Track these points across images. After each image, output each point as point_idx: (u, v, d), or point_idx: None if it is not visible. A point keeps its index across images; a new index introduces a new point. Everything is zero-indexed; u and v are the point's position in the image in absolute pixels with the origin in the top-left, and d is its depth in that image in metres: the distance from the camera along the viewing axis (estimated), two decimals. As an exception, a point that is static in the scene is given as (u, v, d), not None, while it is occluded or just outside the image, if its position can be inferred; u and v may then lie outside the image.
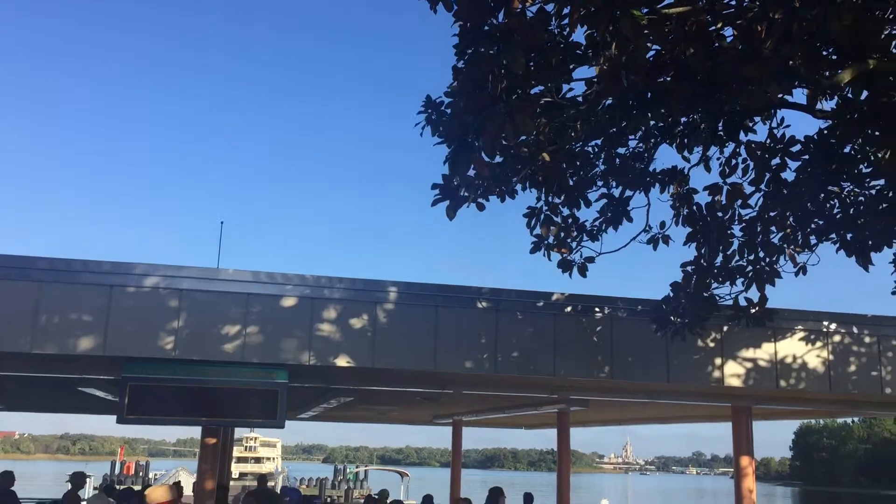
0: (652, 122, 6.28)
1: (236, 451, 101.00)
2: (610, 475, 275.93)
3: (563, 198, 8.34)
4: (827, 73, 4.23)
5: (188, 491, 24.76)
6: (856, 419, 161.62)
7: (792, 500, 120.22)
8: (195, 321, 9.20)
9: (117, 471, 60.97)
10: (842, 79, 4.23)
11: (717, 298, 8.24)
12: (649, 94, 4.37)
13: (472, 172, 4.48)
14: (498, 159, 6.32)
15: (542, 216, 7.61)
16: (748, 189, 7.74)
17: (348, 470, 61.90)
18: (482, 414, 17.58)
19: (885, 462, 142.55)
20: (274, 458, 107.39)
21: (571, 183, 7.31)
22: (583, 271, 8.20)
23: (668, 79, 4.57)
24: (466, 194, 4.59)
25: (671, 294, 7.94)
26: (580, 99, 5.30)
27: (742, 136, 6.87)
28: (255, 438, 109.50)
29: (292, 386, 10.67)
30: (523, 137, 5.75)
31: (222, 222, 17.82)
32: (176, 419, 9.46)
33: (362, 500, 22.21)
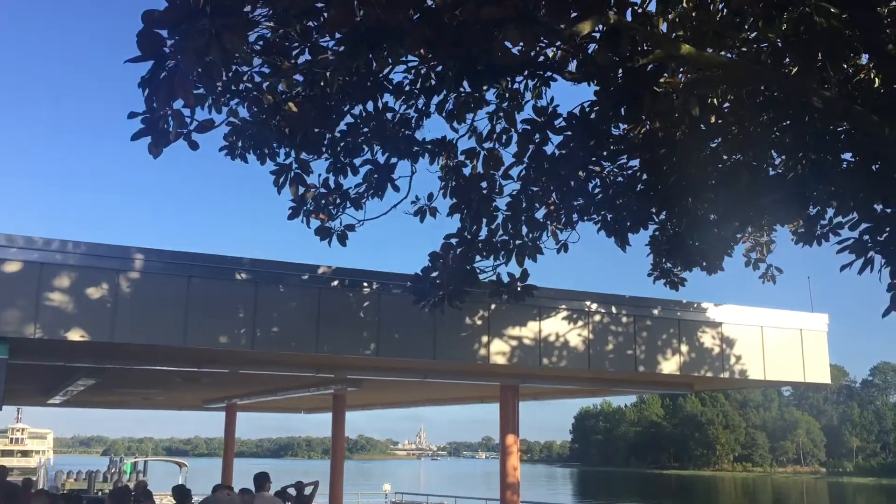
0: (398, 69, 5.95)
1: (0, 444, 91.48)
2: (404, 461, 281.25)
3: (329, 164, 7.91)
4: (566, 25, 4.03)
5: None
6: (627, 403, 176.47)
7: (570, 480, 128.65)
8: None
9: None
10: (581, 29, 4.06)
11: (479, 272, 8.11)
12: (386, 31, 3.97)
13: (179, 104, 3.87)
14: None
15: (292, 174, 7.07)
16: (509, 160, 7.63)
17: (124, 462, 58.00)
18: (255, 397, 16.89)
19: (651, 442, 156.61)
20: (44, 451, 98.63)
21: (326, 142, 6.83)
22: (342, 240, 7.81)
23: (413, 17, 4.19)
24: (174, 129, 3.97)
25: (429, 264, 7.72)
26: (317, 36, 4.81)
27: (492, 97, 6.71)
28: (23, 430, 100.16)
29: (18, 363, 9.43)
30: (262, 82, 5.19)
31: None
32: None
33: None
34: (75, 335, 8.51)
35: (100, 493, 34.53)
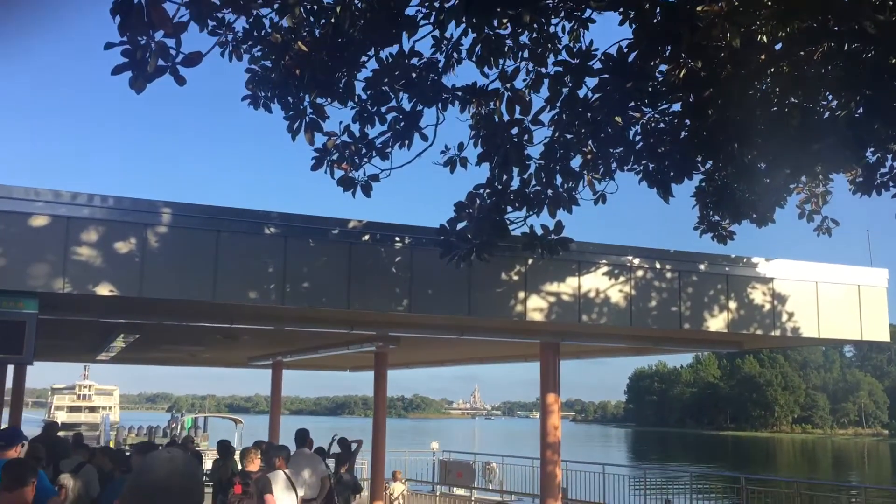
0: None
1: (68, 400, 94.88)
2: (458, 420, 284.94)
3: (355, 114, 7.64)
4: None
5: None
6: (683, 364, 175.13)
7: (625, 440, 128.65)
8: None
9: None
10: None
11: (510, 223, 7.81)
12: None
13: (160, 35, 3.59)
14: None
15: (307, 119, 6.80)
16: (541, 106, 7.23)
17: (185, 417, 59.75)
18: (297, 354, 17.00)
19: (707, 403, 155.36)
20: (111, 407, 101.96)
21: (343, 86, 6.53)
22: (367, 190, 7.56)
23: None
24: (153, 61, 3.70)
25: (455, 215, 7.44)
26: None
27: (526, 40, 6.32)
28: (90, 386, 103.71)
29: (50, 318, 9.48)
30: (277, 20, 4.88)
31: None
32: None
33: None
34: (104, 290, 8.48)
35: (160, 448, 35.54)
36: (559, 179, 7.92)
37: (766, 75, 7.50)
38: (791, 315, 11.74)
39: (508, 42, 7.59)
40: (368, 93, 7.54)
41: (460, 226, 7.68)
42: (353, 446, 16.49)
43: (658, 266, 11.06)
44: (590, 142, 8.01)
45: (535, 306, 10.38)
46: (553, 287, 10.50)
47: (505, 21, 6.28)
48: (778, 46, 7.42)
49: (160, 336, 13.86)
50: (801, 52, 7.05)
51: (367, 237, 9.63)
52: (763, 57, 7.26)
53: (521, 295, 10.33)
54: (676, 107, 8.07)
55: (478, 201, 7.48)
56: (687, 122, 8.05)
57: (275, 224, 9.24)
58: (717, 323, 11.32)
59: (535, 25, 7.48)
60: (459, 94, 7.89)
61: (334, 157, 7.46)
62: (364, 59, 7.17)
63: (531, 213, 7.99)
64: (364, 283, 9.59)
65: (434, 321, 11.09)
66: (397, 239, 9.77)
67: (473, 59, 7.72)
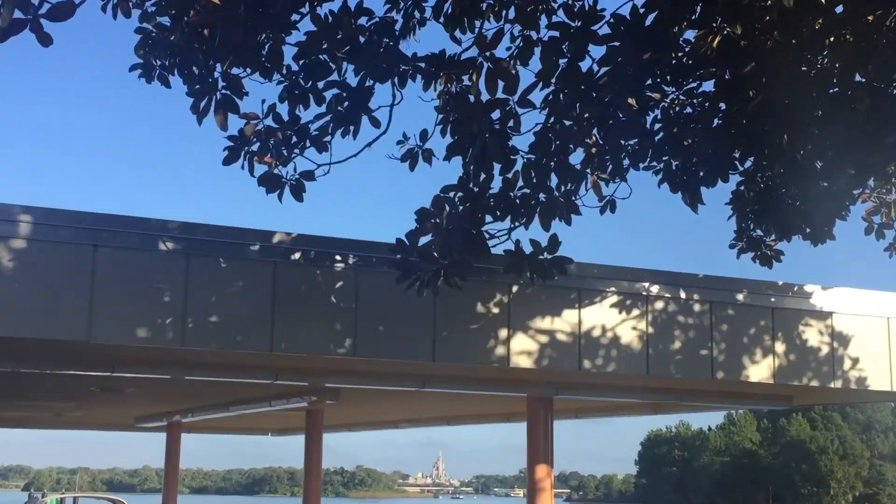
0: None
1: None
2: (416, 500, 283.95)
3: (283, 90, 7.58)
4: None
5: None
6: (711, 426, 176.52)
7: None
8: None
9: None
10: None
11: (489, 237, 7.87)
12: None
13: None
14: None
15: (218, 96, 6.72)
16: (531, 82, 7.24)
17: (46, 498, 58.86)
18: (201, 413, 16.90)
19: (743, 477, 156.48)
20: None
21: (267, 53, 6.47)
22: (298, 192, 7.53)
23: None
24: (6, 13, 3.59)
25: (417, 226, 7.41)
26: None
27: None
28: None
29: None
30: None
31: None
32: None
33: None
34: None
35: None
36: (554, 180, 7.93)
37: (824, 46, 7.60)
38: (855, 361, 11.86)
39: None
40: (301, 62, 7.50)
41: (423, 240, 7.63)
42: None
43: (683, 296, 11.11)
44: (594, 131, 8.04)
45: (522, 348, 10.37)
46: (545, 323, 10.51)
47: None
48: (839, 9, 7.52)
49: (14, 389, 13.64)
50: (870, 17, 7.15)
51: (297, 255, 9.59)
52: (820, 22, 7.35)
53: (504, 333, 10.31)
54: (708, 86, 8.15)
55: (447, 208, 7.46)
56: (721, 105, 8.12)
57: (173, 237, 9.16)
58: (759, 371, 11.41)
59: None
60: (422, 65, 7.86)
61: (255, 146, 7.39)
62: (296, 17, 7.12)
63: (517, 223, 7.99)
64: (293, 318, 9.54)
65: (386, 368, 11.01)
66: (339, 258, 9.73)
67: (441, 19, 7.71)
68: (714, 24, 7.08)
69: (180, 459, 21.51)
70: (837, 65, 7.59)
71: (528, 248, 8.23)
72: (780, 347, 11.56)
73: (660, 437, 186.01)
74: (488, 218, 7.94)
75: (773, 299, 11.60)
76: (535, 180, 7.84)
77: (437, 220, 7.39)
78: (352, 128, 7.64)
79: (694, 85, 8.13)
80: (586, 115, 7.62)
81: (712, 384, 11.85)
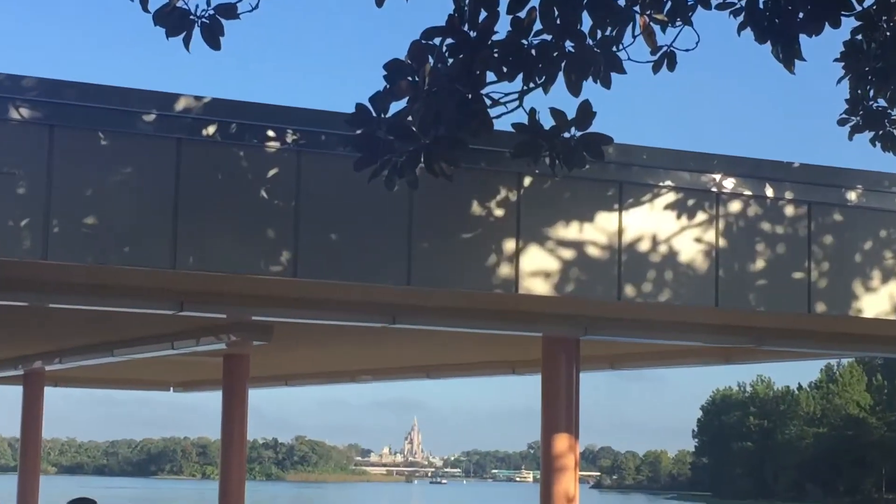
0: None
1: None
2: (380, 486, 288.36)
3: None
4: None
5: None
6: (802, 383, 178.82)
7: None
8: None
9: None
10: None
11: (491, 104, 7.91)
12: None
13: None
14: None
15: None
16: None
17: None
18: (73, 357, 16.99)
19: (846, 454, 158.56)
20: None
21: None
22: (212, 35, 7.46)
23: None
24: None
25: (387, 86, 7.39)
26: None
27: None
28: None
29: None
30: None
31: None
32: None
33: None
34: None
35: None
36: (587, 22, 7.91)
37: None
38: None
39: None
40: None
41: (396, 108, 7.60)
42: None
43: (770, 194, 11.15)
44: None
45: (536, 268, 10.42)
46: (571, 231, 10.54)
47: None
48: None
49: None
50: None
51: (211, 129, 9.56)
52: None
53: (510, 246, 10.36)
54: None
55: (431, 61, 7.41)
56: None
57: (30, 101, 9.11)
58: (875, 303, 11.51)
59: None
60: None
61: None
62: None
63: (532, 84, 7.97)
64: (205, 221, 9.59)
65: (340, 295, 11.13)
66: (272, 134, 9.70)
67: None
68: None
69: (43, 426, 21.48)
70: None
71: (547, 121, 8.24)
72: (910, 268, 11.62)
73: (729, 398, 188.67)
74: (490, 76, 7.93)
75: (900, 199, 11.62)
76: (558, 21, 7.82)
77: (417, 79, 7.33)
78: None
79: None
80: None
81: (809, 321, 11.96)
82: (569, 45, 7.90)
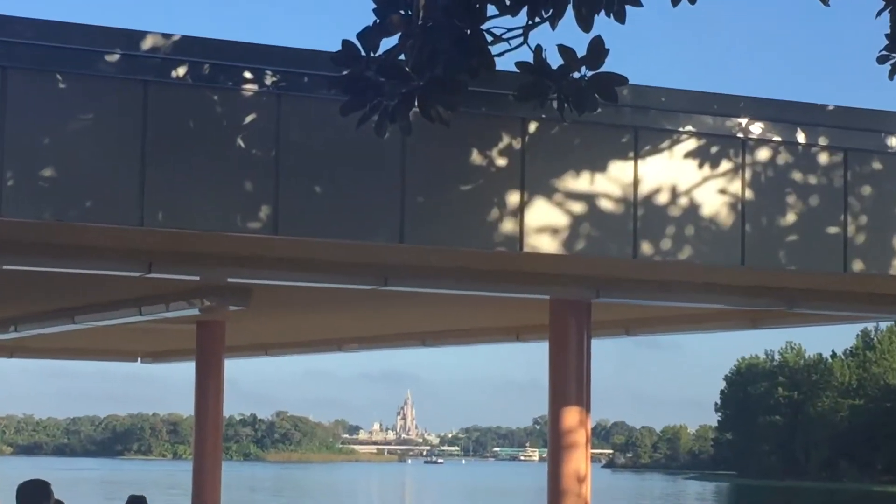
0: None
1: None
2: (370, 466, 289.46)
3: None
4: None
5: None
6: (837, 350, 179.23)
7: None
8: None
9: None
10: None
11: (492, 41, 7.95)
12: None
13: None
14: None
15: None
16: None
17: None
18: (29, 325, 17.00)
19: (885, 428, 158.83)
20: None
21: None
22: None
23: None
24: None
25: (377, 20, 7.38)
26: None
27: None
28: None
29: None
30: None
31: None
32: None
33: None
34: None
35: None
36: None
37: None
38: None
39: None
40: None
41: (385, 45, 7.60)
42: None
43: (802, 139, 11.15)
44: None
45: (543, 223, 10.45)
46: (581, 183, 10.56)
47: None
48: None
49: None
50: None
51: (182, 71, 9.53)
52: None
53: (515, 199, 10.38)
54: None
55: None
56: None
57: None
58: (919, 261, 11.51)
59: None
60: None
61: None
62: None
63: (538, 19, 7.98)
64: (176, 172, 9.59)
65: (325, 254, 11.17)
66: (249, 76, 9.68)
67: None
68: None
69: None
70: None
71: (554, 60, 8.24)
72: (955, 223, 11.64)
73: (756, 367, 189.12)
74: (491, 9, 7.93)
75: (945, 146, 11.60)
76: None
77: (410, 12, 7.32)
78: None
79: None
80: None
81: (844, 281, 12.01)
82: (576, -27, 7.91)
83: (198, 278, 12.38)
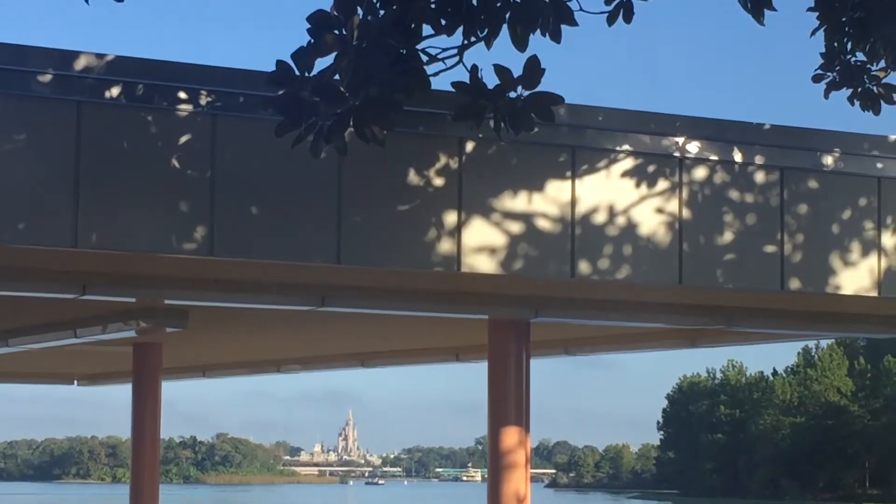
0: None
1: None
2: (310, 488, 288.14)
3: None
4: None
5: None
6: (777, 368, 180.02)
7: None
8: None
9: None
10: None
11: (428, 61, 7.94)
12: None
13: None
14: None
15: None
16: None
17: None
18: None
19: (827, 444, 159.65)
20: None
21: None
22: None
23: None
24: None
25: (311, 40, 7.36)
26: None
27: None
28: None
29: None
30: None
31: None
32: None
33: None
34: None
35: None
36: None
37: None
38: None
39: None
40: None
41: (321, 65, 7.59)
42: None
43: (739, 158, 11.21)
44: None
45: (481, 243, 10.46)
46: (519, 203, 10.57)
47: None
48: None
49: None
50: None
51: (115, 91, 9.50)
52: None
53: (452, 219, 10.39)
54: None
55: (359, 12, 7.39)
56: None
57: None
58: (855, 279, 11.58)
59: None
60: None
61: None
62: None
63: (473, 38, 7.99)
64: (110, 193, 9.54)
65: (261, 275, 11.16)
66: (184, 96, 9.66)
67: None
68: None
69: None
70: None
71: (490, 80, 8.24)
72: (889, 241, 11.72)
73: (698, 385, 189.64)
74: (427, 29, 7.94)
75: (879, 164, 11.69)
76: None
77: (345, 32, 7.31)
78: None
79: None
80: None
81: (782, 299, 12.05)
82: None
83: (133, 300, 12.31)
